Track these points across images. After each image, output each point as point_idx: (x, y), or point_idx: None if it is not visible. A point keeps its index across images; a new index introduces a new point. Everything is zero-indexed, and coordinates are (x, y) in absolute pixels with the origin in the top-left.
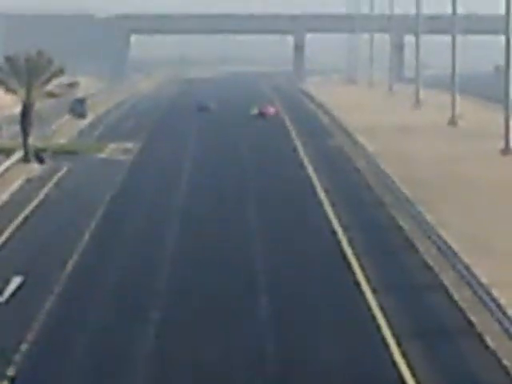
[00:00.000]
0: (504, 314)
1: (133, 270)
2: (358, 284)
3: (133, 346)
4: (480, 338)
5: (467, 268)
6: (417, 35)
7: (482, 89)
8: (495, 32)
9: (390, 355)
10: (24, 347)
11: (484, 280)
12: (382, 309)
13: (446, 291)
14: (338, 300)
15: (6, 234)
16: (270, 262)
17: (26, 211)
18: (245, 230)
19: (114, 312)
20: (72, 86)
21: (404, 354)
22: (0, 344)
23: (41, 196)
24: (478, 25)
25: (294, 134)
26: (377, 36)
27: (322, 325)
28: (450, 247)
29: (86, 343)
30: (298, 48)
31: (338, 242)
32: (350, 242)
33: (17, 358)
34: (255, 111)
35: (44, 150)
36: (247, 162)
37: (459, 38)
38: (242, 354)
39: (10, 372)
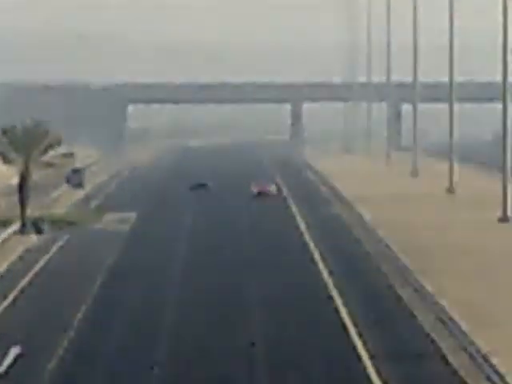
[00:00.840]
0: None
1: (125, 352)
2: (356, 351)
3: None
4: None
5: (466, 336)
6: (414, 104)
7: (481, 156)
8: (493, 99)
9: None
10: None
11: (484, 348)
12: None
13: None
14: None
15: (4, 305)
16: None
17: (24, 283)
18: (241, 299)
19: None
20: (68, 156)
21: None
22: None
23: (38, 268)
24: (475, 92)
25: (292, 202)
26: (374, 105)
27: None
28: (448, 315)
29: None
30: (296, 117)
31: (339, 317)
32: (350, 311)
33: None
34: (254, 190)
35: (42, 220)
36: (244, 233)
37: (457, 106)
38: None
39: None
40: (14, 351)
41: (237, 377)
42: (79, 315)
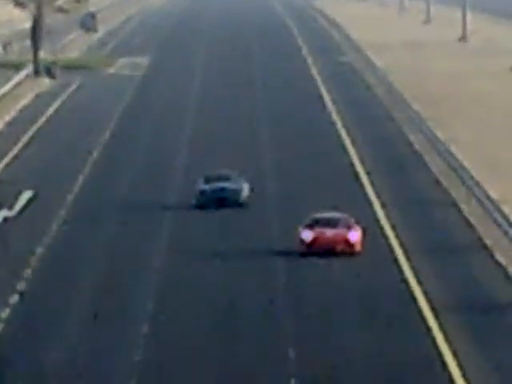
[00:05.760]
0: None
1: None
2: (368, 201)
3: None
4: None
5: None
6: None
7: (495, 5)
8: None
9: None
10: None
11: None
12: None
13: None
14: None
15: (18, 147)
16: None
17: (39, 124)
18: None
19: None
20: (81, 0)
21: None
22: None
23: (51, 111)
24: None
25: (305, 50)
26: None
27: None
28: (459, 162)
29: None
30: None
31: (350, 162)
32: (362, 157)
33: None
34: (307, 236)
35: (54, 64)
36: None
37: None
38: None
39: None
40: (27, 194)
41: None
42: (91, 158)
